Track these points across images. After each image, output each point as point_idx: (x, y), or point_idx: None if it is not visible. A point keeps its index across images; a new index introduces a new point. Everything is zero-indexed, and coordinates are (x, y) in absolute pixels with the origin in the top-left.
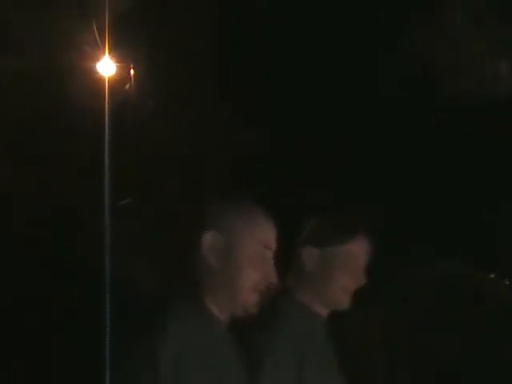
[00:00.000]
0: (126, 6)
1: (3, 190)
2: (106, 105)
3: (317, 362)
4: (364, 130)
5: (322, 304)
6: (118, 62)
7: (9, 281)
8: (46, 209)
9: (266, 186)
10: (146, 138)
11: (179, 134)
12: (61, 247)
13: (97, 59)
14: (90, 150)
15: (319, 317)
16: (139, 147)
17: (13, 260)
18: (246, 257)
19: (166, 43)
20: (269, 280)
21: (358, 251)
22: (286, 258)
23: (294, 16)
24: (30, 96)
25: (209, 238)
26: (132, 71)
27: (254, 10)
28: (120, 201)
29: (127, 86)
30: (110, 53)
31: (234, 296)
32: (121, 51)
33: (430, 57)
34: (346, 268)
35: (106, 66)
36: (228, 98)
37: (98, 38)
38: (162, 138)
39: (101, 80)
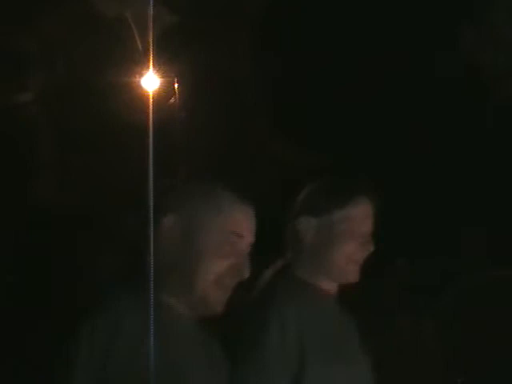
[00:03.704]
0: (170, 20)
1: (47, 204)
2: (151, 120)
3: (321, 347)
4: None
5: (329, 278)
6: (162, 76)
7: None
8: (88, 223)
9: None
10: (190, 153)
11: (221, 147)
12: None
13: (141, 74)
14: (134, 166)
15: (326, 294)
16: (183, 162)
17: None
18: (210, 245)
19: (210, 58)
20: (237, 272)
21: (359, 215)
22: (279, 234)
23: (337, 30)
24: (75, 112)
25: (167, 221)
26: (176, 86)
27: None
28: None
29: (172, 101)
30: (154, 67)
31: (194, 289)
32: (165, 66)
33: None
34: (349, 235)
35: (151, 81)
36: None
37: (142, 52)
38: (205, 152)
39: (145, 95)
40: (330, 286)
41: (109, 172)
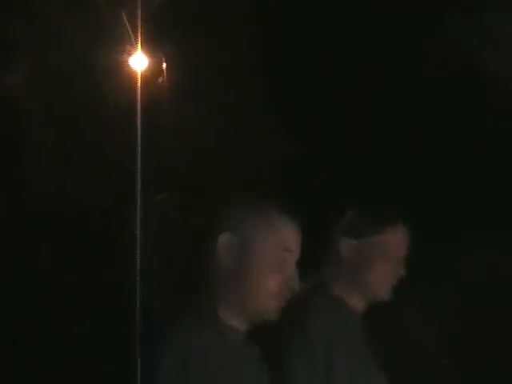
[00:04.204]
0: (158, 0)
1: (39, 185)
2: (139, 99)
3: (349, 359)
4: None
5: (361, 296)
6: (150, 56)
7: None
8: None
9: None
10: (179, 133)
11: (212, 129)
12: (92, 248)
13: (130, 54)
14: (122, 145)
15: (355, 311)
16: (172, 142)
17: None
18: (264, 260)
19: (198, 37)
20: (289, 285)
21: (395, 241)
22: (317, 254)
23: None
24: (63, 91)
25: (224, 240)
26: (164, 65)
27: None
28: (153, 196)
29: (160, 80)
30: (142, 47)
31: (251, 302)
32: (153, 46)
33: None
34: (384, 257)
35: (139, 61)
36: (262, 95)
37: (130, 32)
38: (195, 133)
39: (133, 74)
40: (359, 304)
41: (98, 151)
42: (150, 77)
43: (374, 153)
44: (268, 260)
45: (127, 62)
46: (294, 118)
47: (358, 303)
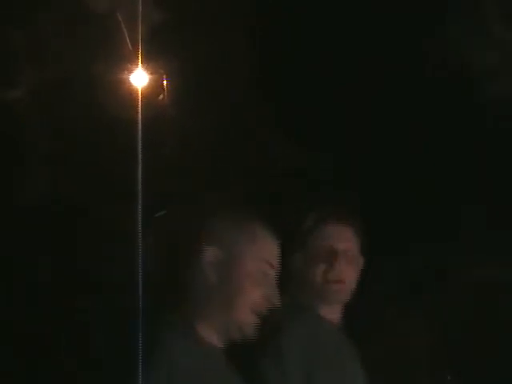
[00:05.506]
0: (159, 17)
1: (36, 200)
2: (140, 116)
3: (326, 370)
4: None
5: (318, 299)
6: (151, 73)
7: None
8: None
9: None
10: (180, 149)
11: (213, 145)
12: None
13: (130, 71)
14: (123, 162)
15: (331, 321)
16: (173, 158)
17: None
18: (247, 274)
19: (199, 54)
20: (270, 301)
21: (328, 235)
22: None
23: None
24: (64, 108)
25: (208, 254)
26: (165, 82)
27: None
28: (153, 213)
29: (161, 97)
30: (143, 64)
31: (231, 316)
32: (154, 62)
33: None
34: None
35: (139, 78)
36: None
37: (131, 49)
38: (196, 149)
39: (134, 91)
40: (328, 310)
41: (98, 168)
42: (151, 93)
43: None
44: (250, 275)
45: (127, 78)
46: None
47: (326, 310)
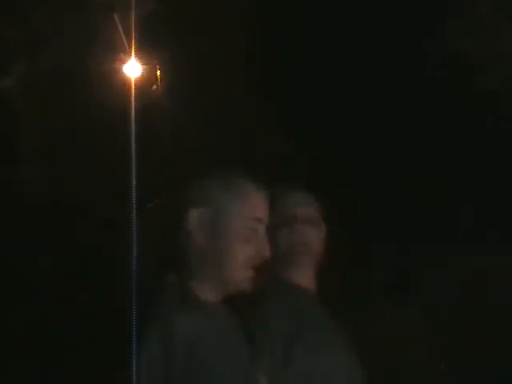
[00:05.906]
0: (152, 6)
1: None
2: (133, 106)
3: (309, 336)
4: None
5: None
6: (144, 63)
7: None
8: (69, 207)
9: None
10: (173, 139)
11: (206, 133)
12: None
13: (123, 61)
14: (116, 151)
15: (302, 287)
16: (166, 148)
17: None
18: (237, 231)
19: (192, 44)
20: (261, 254)
21: (289, 202)
22: None
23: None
24: (56, 97)
25: (196, 215)
26: (158, 72)
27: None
28: (146, 202)
29: (154, 88)
30: (136, 54)
31: (225, 274)
32: (147, 52)
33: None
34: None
35: (133, 68)
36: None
37: (124, 39)
38: (189, 138)
39: (127, 81)
40: (296, 275)
41: (92, 158)
42: (144, 84)
43: (373, 153)
44: (240, 231)
45: (121, 68)
46: (294, 118)
47: (301, 279)
